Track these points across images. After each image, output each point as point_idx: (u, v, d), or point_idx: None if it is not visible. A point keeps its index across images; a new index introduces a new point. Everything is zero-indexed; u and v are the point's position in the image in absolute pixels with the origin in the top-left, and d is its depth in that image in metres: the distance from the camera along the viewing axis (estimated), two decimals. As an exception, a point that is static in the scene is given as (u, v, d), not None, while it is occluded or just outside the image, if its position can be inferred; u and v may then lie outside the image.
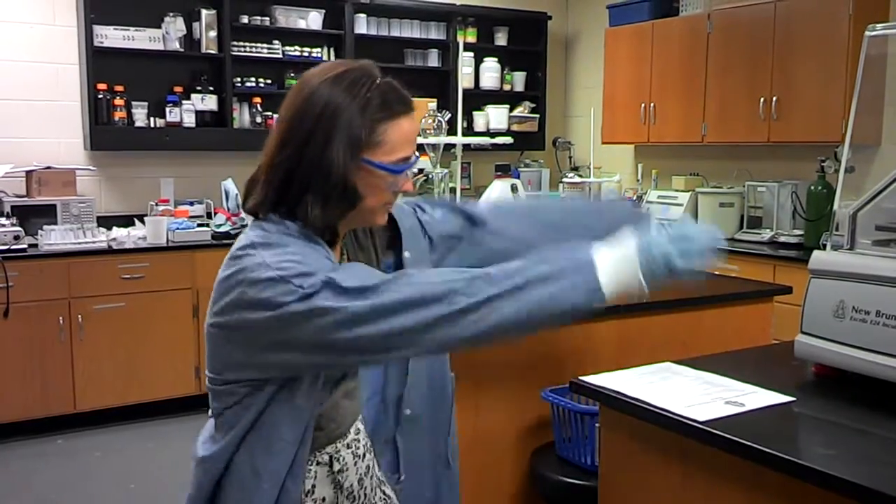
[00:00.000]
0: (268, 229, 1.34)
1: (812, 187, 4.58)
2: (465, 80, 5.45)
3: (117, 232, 4.66)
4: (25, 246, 4.32)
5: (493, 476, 2.54)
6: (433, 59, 6.01)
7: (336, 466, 1.46)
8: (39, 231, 4.42)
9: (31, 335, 4.26)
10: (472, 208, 1.67)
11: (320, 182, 1.33)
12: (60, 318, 4.32)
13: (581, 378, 1.82)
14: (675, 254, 1.32)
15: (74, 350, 4.38)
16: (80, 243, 4.43)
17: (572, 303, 1.29)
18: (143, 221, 4.80)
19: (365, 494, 1.52)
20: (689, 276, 1.32)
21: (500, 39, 6.29)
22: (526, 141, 6.10)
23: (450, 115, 3.98)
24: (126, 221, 4.92)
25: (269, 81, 5.33)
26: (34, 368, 4.29)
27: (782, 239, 4.72)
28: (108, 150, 4.95)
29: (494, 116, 6.17)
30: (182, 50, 5.02)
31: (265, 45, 5.27)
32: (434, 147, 3.69)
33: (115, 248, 4.53)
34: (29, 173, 4.65)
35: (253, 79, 5.28)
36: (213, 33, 5.05)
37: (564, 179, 4.82)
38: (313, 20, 5.45)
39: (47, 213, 4.56)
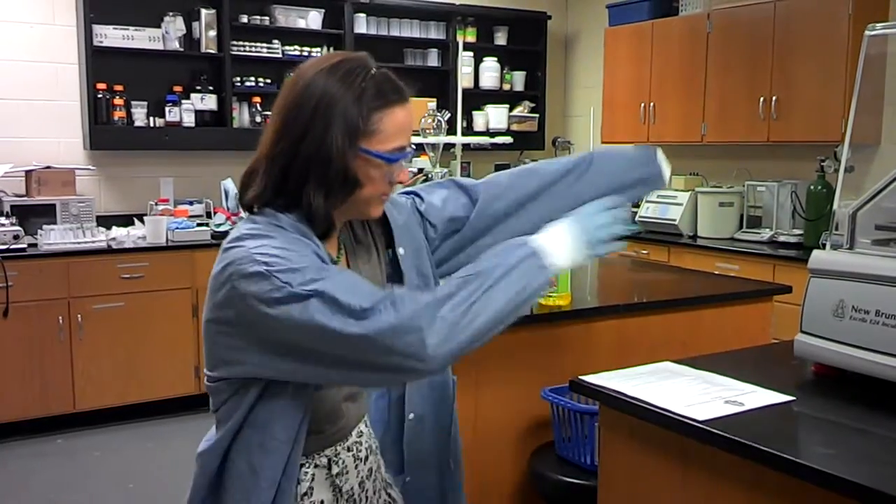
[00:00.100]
0: (259, 222, 1.34)
1: (812, 187, 4.58)
2: (464, 79, 5.45)
3: (117, 231, 4.66)
4: (25, 245, 4.32)
5: (492, 475, 2.54)
6: (433, 59, 6.01)
7: (334, 469, 1.45)
8: (39, 231, 4.42)
9: (30, 335, 4.26)
10: (468, 181, 1.67)
11: (320, 171, 1.33)
12: (60, 317, 4.32)
13: (581, 377, 1.82)
14: (590, 240, 1.41)
15: (74, 350, 4.38)
16: (79, 243, 4.43)
17: (536, 286, 1.34)
18: (142, 221, 4.80)
19: (366, 497, 1.52)
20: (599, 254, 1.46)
21: (500, 39, 6.29)
22: (525, 141, 6.10)
23: (449, 115, 3.99)
24: (125, 221, 4.92)
25: (268, 81, 5.33)
26: (33, 368, 4.29)
27: (782, 238, 4.72)
28: (107, 149, 4.95)
29: (494, 116, 6.18)
30: (182, 49, 5.02)
31: (265, 45, 5.27)
32: (434, 147, 3.69)
33: (114, 247, 4.53)
34: (28, 173, 4.65)
35: (252, 78, 5.28)
36: (212, 33, 5.05)
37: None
38: (313, 20, 5.45)
39: (47, 213, 4.56)
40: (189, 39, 5.08)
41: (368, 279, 1.47)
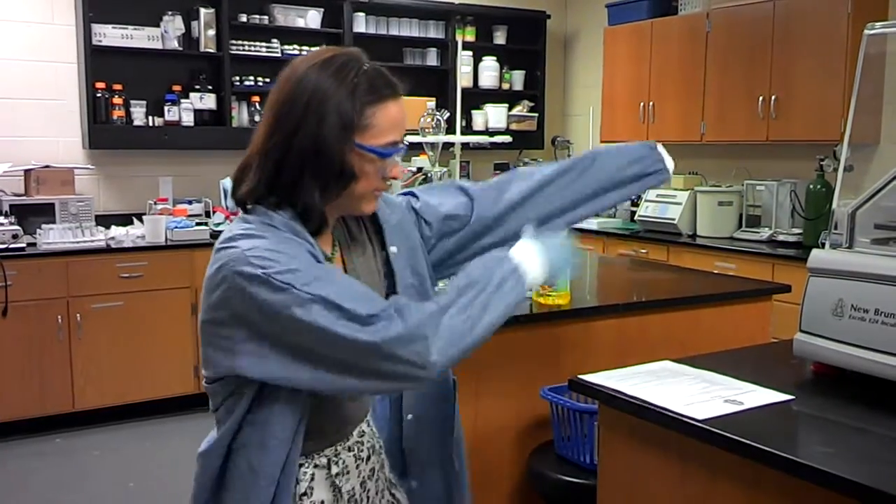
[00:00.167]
0: (251, 221, 1.34)
1: (811, 186, 4.58)
2: (463, 78, 5.43)
3: (116, 231, 4.66)
4: (24, 245, 4.31)
5: (492, 475, 2.54)
6: (432, 58, 6.01)
7: (334, 469, 1.45)
8: (38, 230, 4.41)
9: (29, 334, 4.26)
10: (468, 182, 1.69)
11: (315, 164, 1.33)
12: (59, 316, 4.32)
13: (580, 377, 1.82)
14: (552, 264, 1.44)
15: (73, 349, 4.37)
16: (78, 242, 4.43)
17: (520, 299, 1.39)
18: (141, 220, 4.79)
19: (368, 498, 1.52)
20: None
21: (499, 38, 6.28)
22: (525, 140, 6.10)
23: (448, 114, 3.98)
24: (125, 220, 4.92)
25: (267, 80, 5.31)
26: (32, 367, 4.28)
27: (781, 237, 4.72)
28: (106, 148, 4.94)
29: (493, 115, 6.17)
30: (181, 49, 5.01)
31: (264, 44, 5.26)
32: (433, 146, 3.69)
33: (113, 246, 4.53)
34: (27, 172, 4.64)
35: (251, 77, 5.27)
36: (211, 32, 5.05)
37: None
38: (312, 19, 5.45)
39: (46, 212, 4.56)
40: (188, 39, 5.07)
41: (364, 275, 1.48)
